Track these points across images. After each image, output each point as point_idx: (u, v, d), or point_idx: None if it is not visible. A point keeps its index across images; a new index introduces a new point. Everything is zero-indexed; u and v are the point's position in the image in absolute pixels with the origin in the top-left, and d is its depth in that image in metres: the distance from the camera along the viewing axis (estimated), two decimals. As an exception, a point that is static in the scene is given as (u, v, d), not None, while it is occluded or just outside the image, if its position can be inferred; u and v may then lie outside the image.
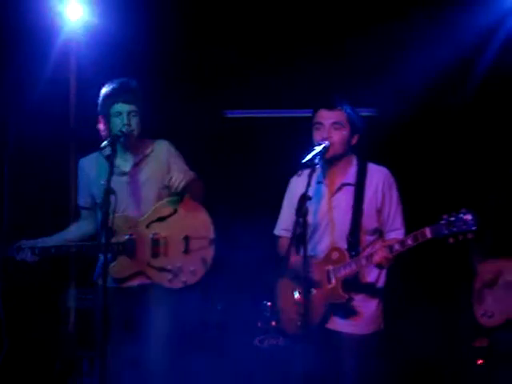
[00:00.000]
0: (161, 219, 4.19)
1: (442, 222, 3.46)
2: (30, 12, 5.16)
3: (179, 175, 4.09)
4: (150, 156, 4.25)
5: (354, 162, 3.92)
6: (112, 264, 4.10)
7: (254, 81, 5.95)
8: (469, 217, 3.42)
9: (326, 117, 3.82)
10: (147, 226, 4.18)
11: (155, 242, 4.17)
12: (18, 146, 5.53)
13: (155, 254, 4.17)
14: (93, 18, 5.36)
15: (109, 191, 3.79)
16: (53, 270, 5.21)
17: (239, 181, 6.12)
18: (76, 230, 4.33)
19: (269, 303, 5.26)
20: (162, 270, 4.15)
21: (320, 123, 3.83)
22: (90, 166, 4.24)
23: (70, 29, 5.41)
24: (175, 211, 4.21)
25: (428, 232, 3.51)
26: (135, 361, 4.22)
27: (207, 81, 5.99)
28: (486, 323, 4.37)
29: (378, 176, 3.88)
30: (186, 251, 4.17)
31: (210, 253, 4.21)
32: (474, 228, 3.42)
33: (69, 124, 5.70)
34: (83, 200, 4.33)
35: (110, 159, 3.88)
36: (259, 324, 5.48)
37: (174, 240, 4.19)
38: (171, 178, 4.09)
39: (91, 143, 4.27)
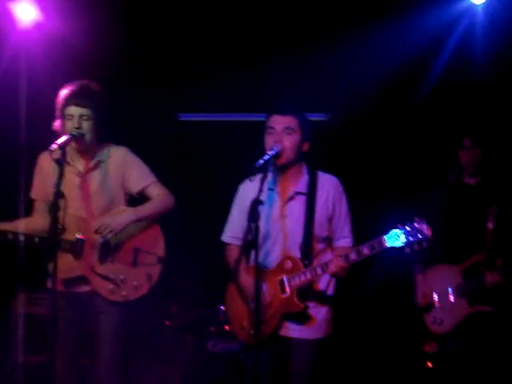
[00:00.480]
0: None
1: (397, 231, 3.49)
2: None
3: (110, 224, 4.03)
4: (106, 162, 4.19)
5: (305, 170, 3.93)
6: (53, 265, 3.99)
7: (209, 84, 5.95)
8: (423, 226, 3.46)
9: (278, 122, 3.82)
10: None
11: (105, 247, 4.12)
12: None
13: (102, 260, 4.11)
14: (44, 19, 5.27)
15: (58, 195, 3.74)
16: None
17: (191, 184, 6.11)
18: (28, 222, 4.22)
19: (223, 307, 5.29)
20: (106, 278, 4.07)
21: (272, 128, 3.83)
22: (47, 162, 4.16)
23: (20, 30, 5.32)
24: None
25: (384, 241, 3.54)
26: (86, 369, 4.19)
27: (161, 84, 5.97)
28: (436, 330, 4.45)
29: (328, 185, 3.90)
30: (134, 264, 4.13)
31: (156, 270, 4.15)
32: (429, 237, 3.45)
33: (19, 123, 5.61)
34: (36, 193, 4.24)
35: (60, 163, 3.82)
36: (212, 328, 5.48)
37: (124, 249, 4.13)
38: (101, 224, 4.04)
39: (42, 143, 4.20)
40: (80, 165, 4.17)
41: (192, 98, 6.11)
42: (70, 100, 4.05)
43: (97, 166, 4.17)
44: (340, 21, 5.47)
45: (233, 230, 4.00)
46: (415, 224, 3.46)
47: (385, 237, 3.54)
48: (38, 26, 5.31)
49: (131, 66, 5.82)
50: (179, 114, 6.32)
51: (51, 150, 3.87)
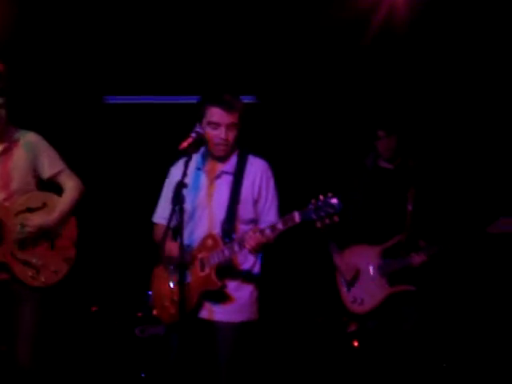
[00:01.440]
0: (30, 210, 4.06)
1: (310, 206, 3.51)
2: None
3: (35, 221, 4.02)
4: (18, 145, 4.10)
5: (235, 152, 3.91)
6: None
7: (135, 66, 5.87)
8: (334, 200, 3.46)
9: (224, 118, 3.77)
10: (16, 215, 4.04)
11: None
12: None
13: (22, 246, 4.04)
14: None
15: None
16: None
17: (119, 168, 6.04)
18: None
19: (150, 292, 5.24)
20: (26, 263, 4.02)
21: (217, 123, 3.79)
22: None
23: None
24: (44, 205, 4.10)
25: (297, 216, 3.54)
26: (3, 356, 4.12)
27: (87, 66, 5.86)
28: (357, 310, 4.50)
29: (256, 168, 3.89)
30: (51, 247, 4.08)
31: (72, 253, 4.14)
32: (338, 211, 3.48)
33: None
34: None
35: None
36: (139, 314, 5.44)
37: (42, 234, 4.07)
38: (28, 220, 4.01)
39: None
40: None
41: (118, 80, 6.01)
42: None
43: (10, 148, 4.08)
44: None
45: (161, 211, 3.98)
46: (327, 199, 3.48)
47: (297, 212, 3.56)
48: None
49: (56, 47, 5.69)
50: (106, 97, 6.22)
51: None
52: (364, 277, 4.51)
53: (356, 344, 4.87)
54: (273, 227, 3.60)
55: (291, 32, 5.54)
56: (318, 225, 3.49)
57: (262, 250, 3.70)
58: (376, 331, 4.48)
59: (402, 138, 4.60)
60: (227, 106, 3.78)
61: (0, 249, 3.99)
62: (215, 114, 3.78)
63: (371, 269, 4.50)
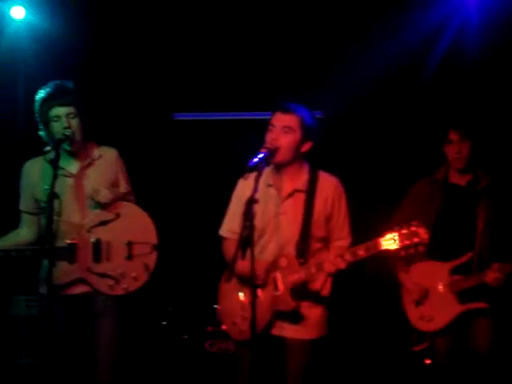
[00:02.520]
0: (103, 223, 4.12)
1: (394, 234, 3.45)
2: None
3: (107, 193, 4.08)
4: (98, 161, 4.17)
5: (306, 169, 3.89)
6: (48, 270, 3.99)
7: (203, 83, 5.94)
8: (421, 230, 3.42)
9: (279, 119, 3.78)
10: (89, 231, 4.11)
11: (97, 247, 4.11)
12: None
13: (97, 260, 4.10)
14: (37, 19, 5.26)
15: (52, 196, 3.73)
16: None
17: (186, 183, 6.10)
18: (18, 237, 4.19)
19: (218, 307, 5.26)
20: (104, 275, 4.08)
21: (272, 125, 3.80)
22: (34, 170, 4.14)
23: (14, 30, 5.30)
24: (118, 216, 4.15)
25: (380, 244, 3.51)
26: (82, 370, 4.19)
27: (156, 83, 5.95)
28: (425, 327, 4.36)
29: (328, 185, 3.87)
30: (129, 257, 4.12)
31: (152, 259, 4.15)
32: (426, 241, 3.41)
33: (16, 127, 5.60)
34: (25, 204, 4.21)
35: (54, 164, 3.81)
36: (209, 328, 5.47)
37: (117, 245, 4.12)
38: (99, 192, 4.06)
39: (39, 147, 4.18)
40: (71, 166, 4.14)
41: (186, 97, 6.09)
42: (53, 101, 4.00)
43: (90, 164, 4.15)
44: (337, 16, 5.46)
45: (230, 224, 3.97)
46: (412, 227, 3.43)
47: (381, 239, 3.51)
48: (27, 24, 5.30)
49: (126, 64, 5.81)
50: (174, 114, 6.30)
51: (45, 152, 3.86)
52: (433, 294, 4.37)
53: (428, 362, 4.76)
54: (354, 253, 3.57)
55: (359, 46, 5.52)
56: (402, 253, 3.44)
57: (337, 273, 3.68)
58: (448, 349, 4.36)
59: (477, 147, 4.33)
60: (282, 108, 3.79)
61: (76, 267, 4.07)
62: (273, 116, 3.81)
63: (440, 286, 4.36)
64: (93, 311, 4.09)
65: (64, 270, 4.01)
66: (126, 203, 4.19)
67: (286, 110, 3.78)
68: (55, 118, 4.01)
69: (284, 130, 3.76)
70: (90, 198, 4.09)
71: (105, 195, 4.06)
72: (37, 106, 4.04)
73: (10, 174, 5.07)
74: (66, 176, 4.10)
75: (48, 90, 4.03)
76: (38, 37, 5.34)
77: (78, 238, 4.07)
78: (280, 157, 3.77)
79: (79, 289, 4.09)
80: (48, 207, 3.73)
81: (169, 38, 5.72)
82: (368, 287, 5.76)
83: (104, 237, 4.09)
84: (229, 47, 5.77)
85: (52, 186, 3.74)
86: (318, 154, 3.94)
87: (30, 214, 4.19)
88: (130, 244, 4.11)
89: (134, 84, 5.92)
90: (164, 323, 5.66)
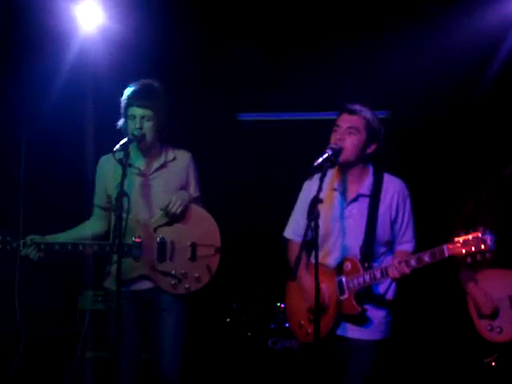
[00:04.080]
0: (169, 224, 4.22)
1: (461, 240, 3.42)
2: (46, 16, 5.19)
3: (177, 200, 4.15)
4: (172, 163, 4.28)
5: (371, 171, 3.89)
6: (116, 264, 4.09)
7: (267, 83, 5.97)
8: (487, 236, 3.37)
9: (345, 120, 3.80)
10: (155, 230, 4.21)
11: (162, 247, 4.19)
12: (44, 142, 5.56)
13: (161, 259, 4.20)
14: (108, 21, 5.36)
15: (122, 195, 3.84)
16: (71, 270, 5.26)
17: (252, 183, 6.14)
18: (88, 229, 4.33)
19: (282, 305, 5.30)
20: (167, 274, 4.18)
21: (338, 126, 3.82)
22: (109, 165, 4.26)
23: (85, 32, 5.41)
24: (183, 217, 4.23)
25: (446, 250, 3.48)
26: (148, 363, 4.26)
27: (220, 83, 6.01)
28: (496, 339, 4.19)
29: (393, 188, 3.86)
30: (192, 258, 4.21)
31: (215, 261, 4.23)
32: (493, 248, 3.36)
33: (85, 125, 5.73)
34: (98, 198, 4.35)
35: (123, 162, 3.92)
36: (273, 326, 5.51)
37: (181, 246, 4.22)
38: (170, 201, 4.15)
39: (107, 145, 4.29)
40: (142, 165, 4.24)
41: (252, 97, 6.13)
42: (133, 100, 4.15)
43: (162, 166, 4.25)
44: (402, 18, 5.42)
45: (295, 227, 4.02)
46: (479, 234, 3.39)
47: (446, 245, 3.49)
48: (101, 27, 5.39)
49: (190, 65, 5.88)
50: (239, 114, 6.35)
51: (114, 152, 3.97)
52: (503, 304, 4.19)
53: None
54: (419, 259, 3.56)
55: (424, 45, 5.48)
56: (469, 260, 3.40)
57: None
58: None
59: None
60: (348, 109, 3.81)
61: (141, 264, 4.17)
62: (339, 117, 3.84)
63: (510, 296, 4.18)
64: (157, 307, 4.19)
65: (130, 267, 4.13)
66: (192, 205, 4.27)
67: (351, 112, 3.80)
68: (131, 117, 4.15)
69: (349, 131, 3.77)
70: (162, 209, 4.17)
71: (177, 208, 4.15)
72: (122, 99, 4.20)
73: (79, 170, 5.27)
74: (136, 174, 4.21)
75: (134, 87, 4.19)
76: (109, 40, 5.43)
77: (145, 237, 4.17)
78: (345, 157, 3.78)
79: (145, 284, 4.19)
80: (117, 206, 3.85)
81: (233, 38, 5.77)
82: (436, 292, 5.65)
83: (169, 237, 4.19)
84: (290, 47, 5.78)
85: (121, 184, 3.86)
86: (384, 155, 3.93)
87: (102, 208, 4.32)
88: (193, 245, 4.21)
89: (199, 85, 5.99)
90: (228, 320, 5.71)
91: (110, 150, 4.06)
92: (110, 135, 4.25)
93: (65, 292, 5.63)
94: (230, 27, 5.63)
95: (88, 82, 5.61)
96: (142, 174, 4.24)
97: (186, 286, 4.18)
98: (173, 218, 4.19)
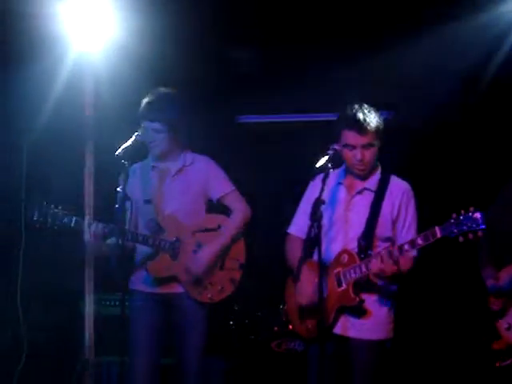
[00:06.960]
0: (207, 230, 4.32)
1: (452, 220, 3.47)
2: (46, 23, 5.19)
3: (198, 268, 4.27)
4: (189, 167, 4.38)
5: (379, 170, 3.98)
6: (153, 260, 4.22)
7: (267, 86, 5.98)
8: (478, 215, 3.42)
9: (358, 140, 3.83)
10: (193, 234, 4.30)
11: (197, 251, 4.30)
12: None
13: (196, 263, 4.30)
14: (110, 29, 5.35)
15: (125, 198, 3.94)
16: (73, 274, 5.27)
17: (253, 186, 6.13)
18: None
19: (284, 307, 5.29)
20: (196, 280, 4.26)
21: (352, 146, 3.85)
22: (135, 171, 4.38)
23: (85, 40, 5.40)
24: (219, 227, 4.34)
25: (438, 231, 3.53)
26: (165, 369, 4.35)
27: (220, 86, 6.02)
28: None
29: (398, 188, 3.93)
30: (221, 267, 4.30)
31: (238, 276, 4.34)
32: (482, 226, 3.40)
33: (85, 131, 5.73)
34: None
35: (124, 165, 3.95)
36: (276, 328, 5.51)
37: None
38: (191, 270, 4.28)
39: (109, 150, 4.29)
40: (165, 168, 4.35)
41: (251, 100, 6.14)
42: (145, 113, 4.26)
43: (181, 170, 4.33)
44: (404, 19, 5.44)
45: (298, 223, 4.07)
46: (469, 213, 3.43)
47: (438, 226, 3.53)
48: (100, 32, 5.38)
49: (190, 69, 5.89)
50: (239, 117, 6.36)
51: (117, 156, 4.01)
52: None
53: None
54: (412, 242, 3.59)
55: (430, 45, 5.49)
56: (461, 239, 3.45)
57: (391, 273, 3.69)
58: None
59: None
60: (360, 129, 3.79)
61: (174, 264, 4.25)
62: (349, 137, 3.84)
63: None
64: (182, 311, 4.27)
65: (166, 264, 4.23)
66: (227, 218, 4.37)
67: (362, 131, 3.80)
68: (143, 129, 4.23)
69: (365, 148, 3.83)
70: (202, 199, 4.33)
71: (197, 271, 4.24)
72: (140, 109, 4.29)
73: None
74: (161, 177, 4.33)
75: (148, 99, 4.28)
76: (109, 48, 5.41)
77: (183, 238, 4.27)
78: (366, 169, 3.88)
79: (174, 288, 4.27)
80: (120, 209, 3.92)
81: (232, 41, 5.78)
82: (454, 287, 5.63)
83: (204, 243, 4.27)
84: (291, 49, 5.79)
85: (123, 189, 3.94)
86: (391, 156, 3.98)
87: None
88: (223, 256, 4.29)
89: (199, 87, 5.99)
90: (231, 323, 5.71)
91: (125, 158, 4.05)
92: (111, 140, 4.27)
93: (68, 296, 5.62)
94: (229, 29, 5.63)
95: (88, 87, 5.61)
96: (164, 177, 4.34)
97: (209, 295, 4.28)
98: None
